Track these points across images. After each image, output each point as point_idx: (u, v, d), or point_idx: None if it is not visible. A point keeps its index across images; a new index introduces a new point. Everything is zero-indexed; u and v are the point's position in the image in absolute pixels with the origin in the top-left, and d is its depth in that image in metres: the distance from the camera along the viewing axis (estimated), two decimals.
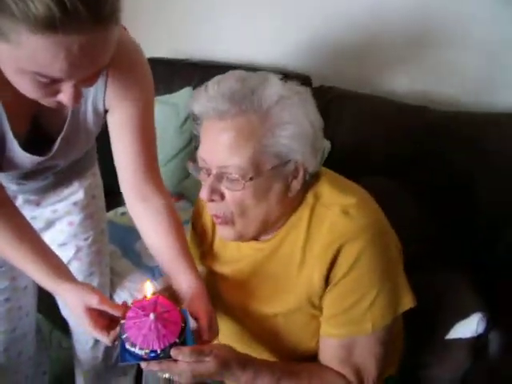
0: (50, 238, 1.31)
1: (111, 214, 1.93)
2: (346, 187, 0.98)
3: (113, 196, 2.18)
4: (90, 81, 0.81)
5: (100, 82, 0.97)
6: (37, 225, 1.28)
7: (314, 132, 0.90)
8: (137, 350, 0.83)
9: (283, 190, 0.92)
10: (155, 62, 2.39)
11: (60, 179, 1.26)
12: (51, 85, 0.76)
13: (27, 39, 0.67)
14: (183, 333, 0.86)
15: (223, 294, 1.08)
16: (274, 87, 0.88)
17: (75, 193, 1.31)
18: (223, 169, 0.89)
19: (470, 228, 1.40)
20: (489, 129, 1.45)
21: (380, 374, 0.96)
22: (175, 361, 0.83)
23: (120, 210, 1.96)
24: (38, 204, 1.28)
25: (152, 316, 0.82)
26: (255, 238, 1.00)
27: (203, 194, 0.91)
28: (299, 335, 1.00)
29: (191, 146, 2.18)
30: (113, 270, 1.61)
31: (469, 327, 1.12)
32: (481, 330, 1.11)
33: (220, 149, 0.88)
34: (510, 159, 1.37)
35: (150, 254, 1.70)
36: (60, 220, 1.32)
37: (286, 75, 0.94)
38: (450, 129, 1.50)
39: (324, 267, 0.90)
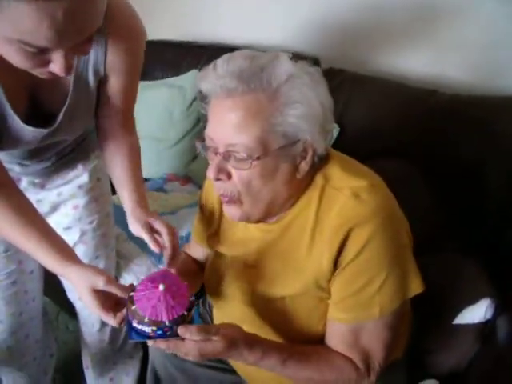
0: (56, 221, 1.31)
1: (117, 197, 1.92)
2: (356, 170, 0.97)
3: None
4: (80, 49, 0.79)
5: (100, 52, 0.98)
6: (42, 208, 1.28)
7: (324, 113, 0.89)
8: (144, 328, 0.83)
9: (291, 171, 0.91)
10: (162, 45, 2.42)
11: (64, 162, 1.25)
12: (40, 55, 0.75)
13: (8, 6, 0.65)
14: (192, 307, 0.86)
15: (231, 276, 1.08)
16: (284, 66, 0.86)
17: (80, 176, 1.30)
18: (230, 147, 0.88)
19: (479, 214, 1.38)
20: (500, 112, 1.42)
21: (387, 357, 0.96)
22: (182, 339, 0.84)
23: None
24: (42, 187, 1.28)
25: (161, 287, 0.82)
26: (262, 220, 0.99)
27: (210, 172, 0.91)
28: (307, 318, 0.99)
29: (198, 128, 2.17)
30: (119, 253, 1.61)
31: (477, 313, 1.11)
32: (489, 315, 1.11)
33: (227, 127, 0.87)
34: None
35: None
36: (65, 203, 1.32)
37: (296, 57, 0.92)
38: (459, 112, 1.48)
39: (334, 250, 0.89)
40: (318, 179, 0.95)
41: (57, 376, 1.77)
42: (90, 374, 1.65)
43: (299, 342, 1.00)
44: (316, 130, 0.88)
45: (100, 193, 1.36)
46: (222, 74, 0.85)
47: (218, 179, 0.91)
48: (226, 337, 0.86)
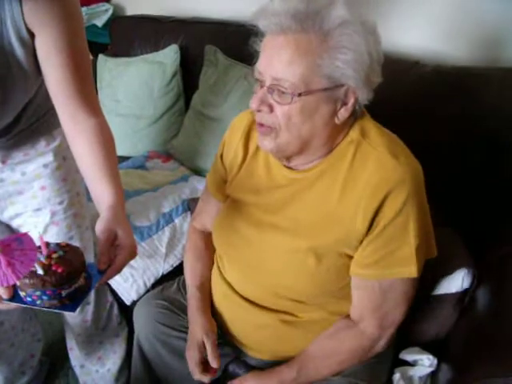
0: (24, 204, 1.27)
1: None
2: (388, 132, 1.01)
3: None
4: None
5: (15, 5, 0.93)
6: (6, 189, 1.24)
7: (371, 63, 0.91)
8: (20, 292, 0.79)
9: (330, 114, 0.94)
10: (141, 20, 2.37)
11: (25, 135, 1.20)
12: None
13: None
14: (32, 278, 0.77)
15: (248, 223, 1.10)
16: (339, 11, 0.89)
17: (44, 154, 1.25)
18: (275, 81, 0.91)
19: (461, 187, 1.38)
20: (483, 83, 1.40)
21: (404, 316, 1.03)
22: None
23: None
24: (3, 162, 1.22)
25: None
26: (288, 158, 1.02)
27: (252, 103, 0.95)
28: (325, 273, 1.01)
29: (179, 104, 2.15)
30: None
31: (454, 283, 1.12)
32: (466, 285, 1.12)
33: (276, 62, 0.90)
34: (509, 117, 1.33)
35: (138, 214, 1.70)
36: (30, 184, 1.26)
37: None
38: (443, 84, 1.46)
39: (371, 210, 0.93)
40: (354, 132, 0.98)
41: (43, 358, 1.77)
42: (75, 355, 1.65)
43: (311, 296, 1.04)
44: (361, 77, 0.90)
45: (68, 172, 1.30)
46: (278, 12, 0.89)
47: (258, 110, 0.95)
48: None
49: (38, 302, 0.78)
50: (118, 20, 2.55)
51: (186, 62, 2.15)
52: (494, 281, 1.10)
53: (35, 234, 1.26)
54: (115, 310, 1.60)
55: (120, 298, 1.54)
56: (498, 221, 1.26)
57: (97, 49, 2.55)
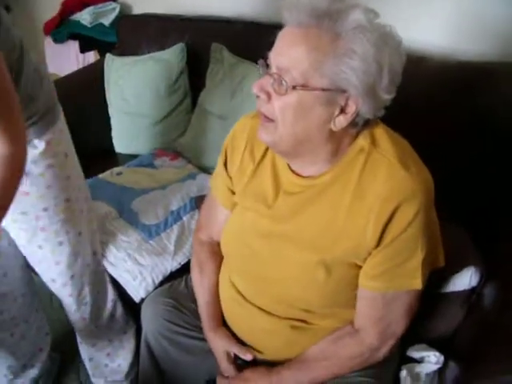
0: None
1: (107, 174, 1.92)
2: (401, 140, 0.99)
3: (109, 156, 2.19)
4: None
5: None
6: None
7: (380, 76, 0.87)
8: None
9: (326, 118, 0.90)
10: (148, 19, 2.38)
11: None
12: None
13: None
14: None
15: (257, 232, 1.09)
16: (357, 15, 0.86)
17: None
18: (278, 70, 0.90)
19: (465, 181, 1.38)
20: (489, 78, 1.40)
21: (404, 331, 1.03)
22: None
23: (116, 170, 1.95)
24: None
25: None
26: (287, 156, 1.02)
27: (254, 86, 0.94)
28: (336, 284, 1.01)
29: (186, 102, 2.15)
30: (108, 230, 1.60)
31: (461, 281, 1.12)
32: (474, 283, 1.12)
33: (283, 52, 0.90)
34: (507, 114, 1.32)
35: (146, 212, 1.71)
36: None
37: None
38: (447, 79, 1.46)
39: (380, 224, 0.92)
40: (365, 140, 0.95)
41: (53, 354, 1.79)
42: (84, 349, 1.67)
43: (320, 307, 1.04)
44: (364, 88, 0.86)
45: (53, 179, 1.25)
46: (299, 6, 0.88)
47: (257, 96, 0.94)
48: None
49: None
50: (125, 19, 2.56)
51: (193, 60, 2.15)
52: (501, 278, 1.10)
53: (24, 236, 1.30)
54: (119, 310, 1.61)
55: (129, 296, 1.56)
56: (506, 215, 1.26)
57: (104, 48, 2.56)
